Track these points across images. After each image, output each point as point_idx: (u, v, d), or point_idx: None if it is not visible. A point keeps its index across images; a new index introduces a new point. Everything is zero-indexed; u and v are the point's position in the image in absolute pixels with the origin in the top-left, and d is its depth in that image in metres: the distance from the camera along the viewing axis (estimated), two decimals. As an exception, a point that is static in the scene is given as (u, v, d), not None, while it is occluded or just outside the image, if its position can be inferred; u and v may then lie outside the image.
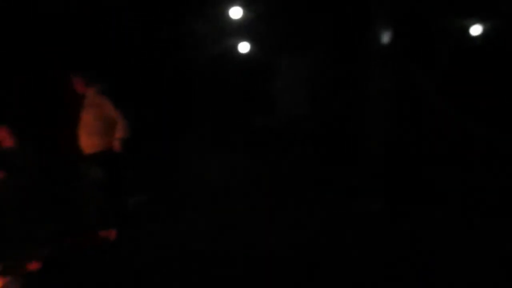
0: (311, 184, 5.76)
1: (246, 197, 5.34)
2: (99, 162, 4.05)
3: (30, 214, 4.04)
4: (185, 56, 6.28)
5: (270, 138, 6.79)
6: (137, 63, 5.49)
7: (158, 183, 5.49)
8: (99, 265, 3.62)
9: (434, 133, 5.96)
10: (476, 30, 6.40)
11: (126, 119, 4.08)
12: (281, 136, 6.83)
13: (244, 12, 6.66)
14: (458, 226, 4.36)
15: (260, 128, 6.97)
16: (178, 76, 6.09)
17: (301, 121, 6.95)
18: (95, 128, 4.05)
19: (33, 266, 3.50)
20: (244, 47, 7.58)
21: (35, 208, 4.08)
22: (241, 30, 7.24)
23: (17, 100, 4.78)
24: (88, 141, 4.08)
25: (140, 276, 3.44)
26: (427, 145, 5.91)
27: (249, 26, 7.08)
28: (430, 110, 6.06)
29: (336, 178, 5.71)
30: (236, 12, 6.69)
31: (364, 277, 3.35)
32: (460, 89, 5.86)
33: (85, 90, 4.12)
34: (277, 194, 5.45)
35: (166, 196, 5.35)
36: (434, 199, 5.03)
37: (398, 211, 4.80)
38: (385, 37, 6.41)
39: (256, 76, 7.35)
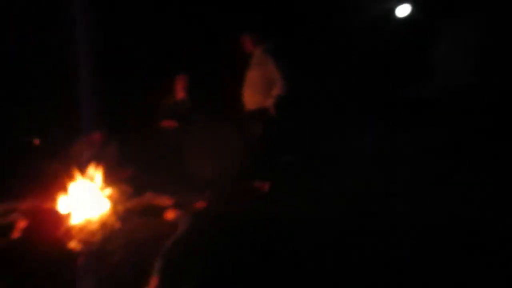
0: (471, 162, 5.27)
1: (395, 169, 5.14)
2: (259, 118, 4.28)
3: (197, 160, 4.50)
4: (342, 19, 6.16)
5: (426, 110, 6.34)
6: (297, 25, 5.56)
7: (308, 145, 5.58)
8: (251, 213, 3.89)
9: None
10: None
11: (285, 80, 4.21)
12: (438, 108, 6.33)
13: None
14: None
15: (414, 99, 6.55)
16: (333, 40, 6.02)
17: (463, 92, 6.34)
18: (258, 86, 4.26)
19: (200, 204, 3.92)
20: (403, 10, 7.15)
21: (202, 154, 4.52)
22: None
23: (191, 56, 5.25)
24: (251, 98, 4.32)
25: (285, 230, 3.59)
26: None
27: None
28: None
29: (502, 157, 5.13)
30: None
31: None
32: None
33: (253, 49, 4.33)
34: (430, 169, 5.12)
35: (313, 158, 5.43)
36: None
37: None
38: None
39: (414, 42, 6.88)
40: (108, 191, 3.93)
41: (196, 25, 5.44)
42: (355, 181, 4.70)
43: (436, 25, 7.00)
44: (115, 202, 3.82)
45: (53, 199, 3.62)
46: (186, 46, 5.40)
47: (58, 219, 3.41)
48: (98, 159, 4.23)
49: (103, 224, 3.53)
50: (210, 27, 5.38)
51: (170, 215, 3.73)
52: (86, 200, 3.74)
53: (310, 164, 5.20)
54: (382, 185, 4.53)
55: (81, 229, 3.46)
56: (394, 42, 6.79)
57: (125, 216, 3.67)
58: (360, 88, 6.29)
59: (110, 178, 4.04)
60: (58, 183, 3.80)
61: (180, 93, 4.86)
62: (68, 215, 3.53)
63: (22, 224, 3.36)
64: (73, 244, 3.26)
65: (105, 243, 3.34)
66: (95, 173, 4.05)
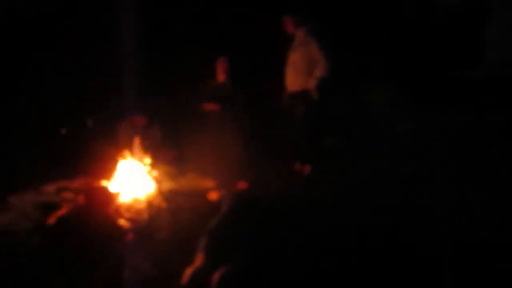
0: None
1: (439, 155, 4.97)
2: (301, 100, 4.25)
3: (239, 142, 4.53)
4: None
5: (477, 94, 6.03)
6: (340, 5, 5.45)
7: (350, 128, 5.50)
8: (292, 195, 3.89)
9: None
10: None
11: (328, 61, 4.14)
12: (491, 92, 6.00)
13: None
14: None
15: (465, 82, 6.25)
16: (377, 19, 5.84)
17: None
18: (301, 68, 4.21)
19: (242, 185, 3.97)
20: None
21: (243, 137, 4.56)
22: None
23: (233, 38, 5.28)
24: (293, 79, 4.28)
25: (325, 213, 3.57)
26: None
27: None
28: None
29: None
30: None
31: None
32: None
33: (295, 31, 4.28)
34: (479, 156, 4.89)
35: (354, 142, 5.35)
36: None
37: None
38: None
39: (464, 20, 6.56)
40: (154, 172, 4.06)
41: (237, 7, 5.44)
42: (395, 165, 4.61)
43: (488, 3, 6.65)
44: (160, 182, 3.94)
45: (103, 178, 3.78)
46: (227, 29, 5.42)
47: (108, 198, 3.55)
48: (144, 142, 4.36)
49: (149, 204, 3.66)
50: (252, 9, 5.36)
51: (213, 196, 3.81)
52: (133, 181, 3.87)
53: (352, 147, 5.14)
54: (422, 170, 4.42)
55: (129, 207, 3.59)
56: (444, 21, 6.50)
57: (170, 196, 3.78)
58: (406, 69, 6.09)
59: (155, 160, 4.17)
60: (107, 164, 3.96)
61: (221, 76, 4.89)
62: (116, 194, 3.67)
63: (74, 201, 3.53)
64: (121, 222, 3.39)
65: (151, 221, 3.47)
66: (142, 155, 4.18)
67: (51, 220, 3.20)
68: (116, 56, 5.28)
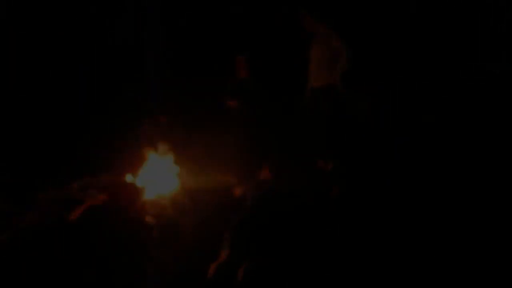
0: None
1: (463, 150, 4.83)
2: (325, 94, 4.21)
3: (262, 138, 4.52)
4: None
5: (496, 86, 5.85)
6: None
7: (375, 122, 5.40)
8: (315, 190, 3.83)
9: None
10: None
11: (350, 51, 4.11)
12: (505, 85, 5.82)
13: None
14: None
15: (496, 75, 6.06)
16: (398, 10, 5.73)
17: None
18: (323, 62, 4.20)
19: (264, 175, 3.94)
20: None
21: (266, 133, 4.54)
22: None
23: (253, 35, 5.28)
24: (316, 74, 4.27)
25: (348, 208, 3.51)
26: None
27: None
28: None
29: None
30: None
31: None
32: None
33: (314, 27, 4.26)
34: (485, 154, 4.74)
35: (379, 136, 5.25)
36: None
37: None
38: None
39: (495, 13, 6.35)
40: (177, 169, 4.07)
41: (258, 4, 5.43)
42: (420, 159, 4.51)
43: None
44: (183, 179, 3.95)
45: (128, 175, 3.81)
46: (248, 26, 5.41)
47: (133, 195, 3.58)
48: (167, 140, 4.39)
49: (173, 200, 3.67)
50: (272, 5, 5.34)
51: (236, 191, 3.80)
52: (157, 178, 3.90)
53: (376, 141, 5.05)
54: (448, 163, 4.32)
55: (153, 204, 3.61)
56: (464, 9, 6.31)
57: (193, 192, 3.79)
58: (429, 60, 5.94)
59: (179, 157, 4.18)
60: (133, 161, 4.00)
61: (243, 73, 4.89)
62: (141, 191, 3.70)
63: (99, 198, 3.56)
64: (146, 218, 3.41)
65: (176, 218, 3.48)
66: (165, 152, 4.21)
67: (75, 215, 3.24)
68: (139, 56, 5.35)
